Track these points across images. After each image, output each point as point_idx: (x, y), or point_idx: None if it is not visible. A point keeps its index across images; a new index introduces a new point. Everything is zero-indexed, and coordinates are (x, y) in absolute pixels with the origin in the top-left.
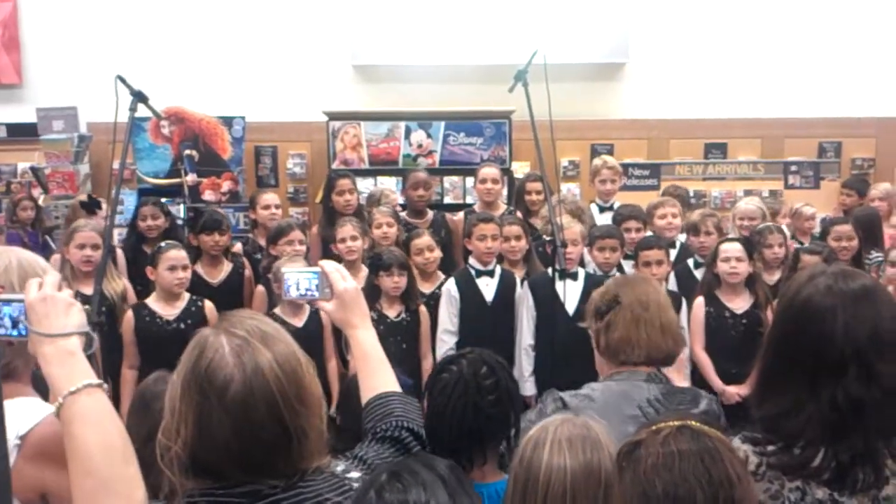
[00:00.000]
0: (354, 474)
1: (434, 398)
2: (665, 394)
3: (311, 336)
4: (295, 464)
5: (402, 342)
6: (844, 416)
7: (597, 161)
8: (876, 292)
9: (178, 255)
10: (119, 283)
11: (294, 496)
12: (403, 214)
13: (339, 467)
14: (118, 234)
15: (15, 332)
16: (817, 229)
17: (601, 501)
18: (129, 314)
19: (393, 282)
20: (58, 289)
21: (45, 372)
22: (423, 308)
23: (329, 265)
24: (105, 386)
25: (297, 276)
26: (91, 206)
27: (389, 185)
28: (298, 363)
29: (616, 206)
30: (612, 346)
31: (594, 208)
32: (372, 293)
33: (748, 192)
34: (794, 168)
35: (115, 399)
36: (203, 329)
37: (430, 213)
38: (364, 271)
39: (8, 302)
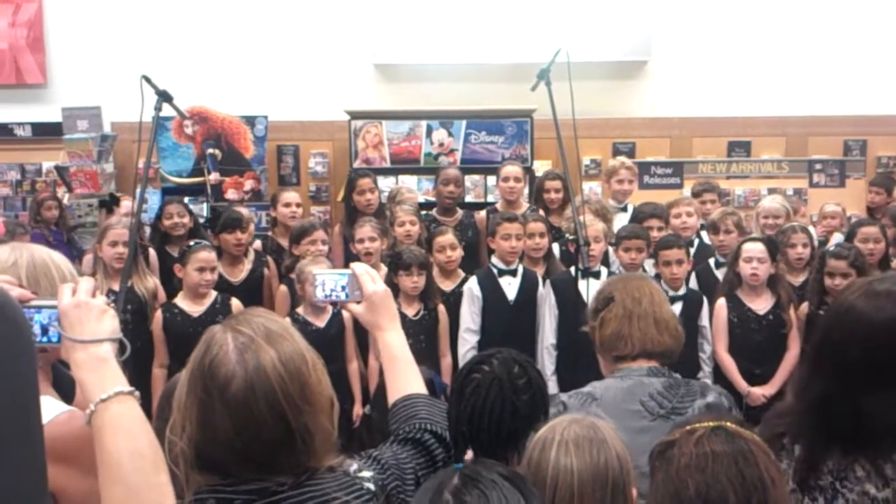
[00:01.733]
0: (367, 473)
1: (466, 400)
2: (668, 387)
3: (333, 337)
4: (302, 462)
5: (420, 341)
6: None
7: (613, 161)
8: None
9: (208, 256)
10: (150, 281)
11: (301, 494)
12: (433, 212)
13: (353, 466)
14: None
15: (45, 339)
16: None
17: (608, 502)
18: (159, 314)
19: (412, 282)
20: (91, 295)
21: (76, 378)
22: (441, 307)
23: (359, 267)
24: (136, 393)
25: (326, 278)
26: (109, 204)
27: (410, 183)
28: (304, 362)
29: (630, 207)
30: (606, 341)
31: None
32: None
33: (772, 191)
34: (818, 166)
35: (146, 397)
36: (213, 326)
37: (460, 212)
38: (383, 270)
39: (39, 309)
